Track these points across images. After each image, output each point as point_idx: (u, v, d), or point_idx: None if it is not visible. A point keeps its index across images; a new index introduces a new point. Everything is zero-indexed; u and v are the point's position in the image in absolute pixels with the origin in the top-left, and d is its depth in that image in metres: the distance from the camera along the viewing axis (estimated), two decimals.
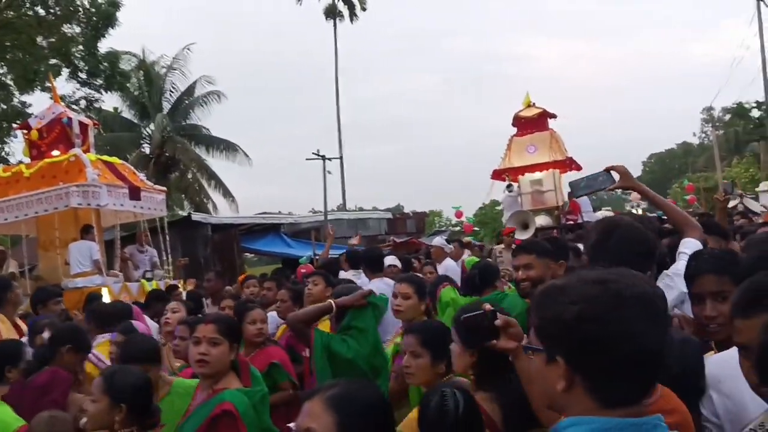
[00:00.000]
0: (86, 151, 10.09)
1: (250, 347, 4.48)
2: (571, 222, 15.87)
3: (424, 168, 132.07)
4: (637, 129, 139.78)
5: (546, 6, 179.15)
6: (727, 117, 43.47)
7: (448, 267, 7.90)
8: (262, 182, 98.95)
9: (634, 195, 39.10)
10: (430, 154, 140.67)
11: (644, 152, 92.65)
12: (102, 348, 4.67)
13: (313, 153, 25.73)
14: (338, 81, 38.88)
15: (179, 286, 9.32)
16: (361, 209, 39.63)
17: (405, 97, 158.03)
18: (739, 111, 38.93)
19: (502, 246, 10.72)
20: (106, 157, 10.70)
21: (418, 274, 5.92)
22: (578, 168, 17.63)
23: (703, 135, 61.66)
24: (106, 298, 8.03)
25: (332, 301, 3.64)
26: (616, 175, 3.12)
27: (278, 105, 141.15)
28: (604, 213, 22.39)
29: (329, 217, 22.80)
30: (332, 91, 38.85)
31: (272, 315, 5.33)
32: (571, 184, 3.24)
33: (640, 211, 32.57)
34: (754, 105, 37.34)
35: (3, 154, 18.04)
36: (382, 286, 5.79)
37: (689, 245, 2.92)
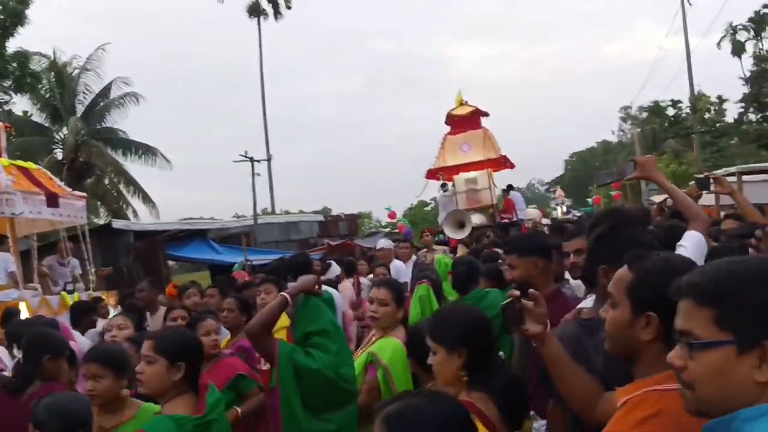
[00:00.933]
0: None
1: (205, 361, 4.10)
2: (506, 220, 15.91)
3: (350, 170, 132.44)
4: (559, 128, 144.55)
5: (464, 8, 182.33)
6: (644, 115, 45.22)
7: (399, 268, 7.60)
8: (183, 187, 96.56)
9: (559, 192, 39.83)
10: (356, 155, 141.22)
11: (566, 150, 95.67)
12: None
13: (240, 155, 25.01)
14: (264, 81, 38.04)
15: (104, 298, 8.67)
16: (287, 212, 38.99)
17: (329, 97, 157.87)
18: (656, 109, 40.59)
19: (425, 250, 10.25)
20: (20, 162, 9.86)
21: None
22: (511, 166, 17.74)
23: (622, 133, 64.00)
24: (24, 314, 7.35)
25: (285, 294, 3.24)
26: None
27: (201, 106, 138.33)
28: (531, 210, 22.74)
29: (258, 221, 22.15)
30: (257, 91, 37.97)
31: None
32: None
33: (564, 209, 33.29)
34: (669, 103, 38.96)
35: None
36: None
37: (689, 238, 2.89)
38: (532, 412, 2.73)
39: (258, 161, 25.71)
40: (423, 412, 1.52)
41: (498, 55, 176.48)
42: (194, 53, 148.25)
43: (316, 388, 3.07)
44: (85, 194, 11.06)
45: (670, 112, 39.41)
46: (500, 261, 4.39)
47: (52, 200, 9.32)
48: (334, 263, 7.65)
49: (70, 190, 10.58)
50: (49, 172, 10.64)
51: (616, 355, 1.78)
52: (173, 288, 8.16)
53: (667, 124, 38.16)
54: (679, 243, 2.87)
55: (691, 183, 5.16)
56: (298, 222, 23.45)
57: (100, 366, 3.08)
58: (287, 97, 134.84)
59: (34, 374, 3.49)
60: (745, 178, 10.57)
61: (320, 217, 25.13)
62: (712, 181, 5.32)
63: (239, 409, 4.05)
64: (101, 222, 20.42)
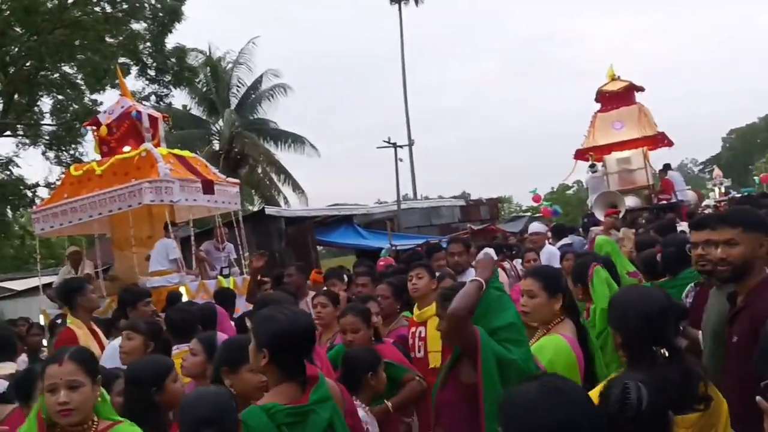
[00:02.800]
0: (157, 145, 9.73)
1: None
2: (664, 201, 14.85)
3: (489, 154, 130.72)
4: (713, 104, 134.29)
5: None
6: None
7: (551, 253, 7.17)
8: (329, 174, 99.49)
9: (717, 172, 37.08)
10: (495, 139, 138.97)
11: (723, 128, 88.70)
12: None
13: (383, 141, 25.24)
14: (405, 67, 37.89)
15: (268, 281, 8.85)
16: (427, 198, 38.98)
17: (469, 81, 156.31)
18: None
19: (600, 228, 9.70)
20: (177, 151, 10.34)
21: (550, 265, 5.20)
22: (670, 144, 16.54)
23: None
24: (184, 297, 7.67)
25: (480, 279, 2.85)
26: None
27: (344, 95, 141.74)
28: (687, 192, 21.06)
29: (401, 206, 22.22)
30: (399, 78, 37.87)
31: None
32: None
33: (723, 189, 30.74)
34: None
35: (77, 154, 18.07)
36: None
37: None
38: None
39: (401, 147, 25.78)
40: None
41: (645, 29, 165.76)
42: (336, 43, 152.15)
43: (515, 380, 2.71)
44: (238, 181, 11.44)
45: None
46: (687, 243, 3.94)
47: (208, 187, 9.68)
48: (487, 249, 7.32)
49: (224, 176, 10.97)
50: (204, 160, 11.08)
51: None
52: (316, 274, 8.18)
53: None
54: None
55: None
56: (439, 207, 23.29)
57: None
58: (427, 82, 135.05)
59: None
60: None
61: (461, 202, 24.82)
62: None
63: (389, 402, 3.85)
64: (257, 209, 21.33)
